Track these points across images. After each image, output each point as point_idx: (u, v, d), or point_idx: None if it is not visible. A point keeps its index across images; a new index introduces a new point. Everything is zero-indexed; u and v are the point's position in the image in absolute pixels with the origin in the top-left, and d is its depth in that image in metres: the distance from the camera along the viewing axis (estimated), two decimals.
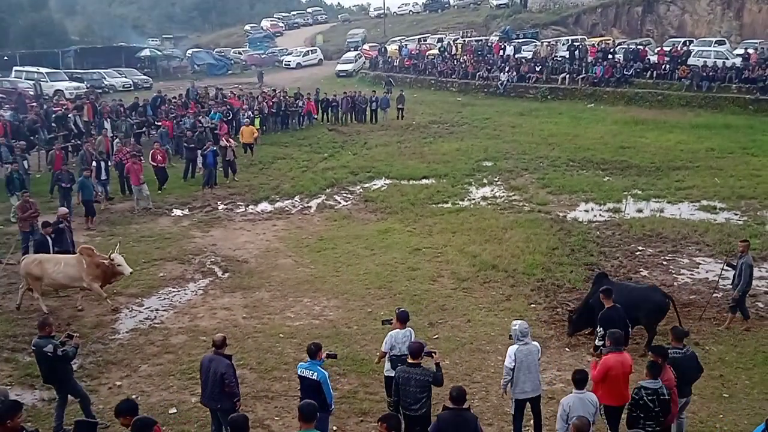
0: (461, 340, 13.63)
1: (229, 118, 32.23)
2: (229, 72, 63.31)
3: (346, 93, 39.75)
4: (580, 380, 9.05)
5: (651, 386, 9.06)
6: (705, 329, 14.06)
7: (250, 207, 23.66)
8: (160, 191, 24.41)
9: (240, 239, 20.08)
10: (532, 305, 15.41)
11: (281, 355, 13.18)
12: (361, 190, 25.74)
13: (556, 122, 37.51)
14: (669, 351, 9.57)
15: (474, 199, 24.00)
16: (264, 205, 23.90)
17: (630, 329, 11.52)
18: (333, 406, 9.88)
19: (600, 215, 21.93)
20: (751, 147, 29.73)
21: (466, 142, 33.08)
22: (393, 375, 10.22)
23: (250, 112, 32.83)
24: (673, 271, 17.27)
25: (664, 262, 17.84)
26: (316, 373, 9.45)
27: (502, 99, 45.34)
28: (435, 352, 9.67)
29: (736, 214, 21.50)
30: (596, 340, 11.35)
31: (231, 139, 27.21)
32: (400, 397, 9.39)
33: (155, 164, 24.57)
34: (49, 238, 16.18)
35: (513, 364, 9.49)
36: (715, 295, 15.67)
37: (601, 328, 11.08)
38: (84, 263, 14.98)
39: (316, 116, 38.09)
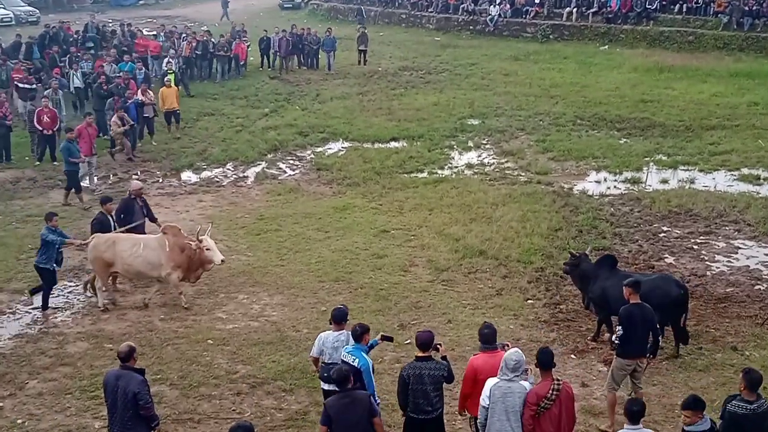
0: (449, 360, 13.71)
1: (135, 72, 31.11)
2: (141, 2, 62.40)
3: (282, 30, 39.09)
4: (635, 413, 8.81)
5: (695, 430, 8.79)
6: (745, 330, 14.32)
7: (168, 177, 23.48)
8: (39, 162, 24.05)
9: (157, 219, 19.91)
10: (530, 301, 15.55)
11: (210, 367, 13.15)
12: (312, 155, 25.65)
13: (561, 69, 37.65)
14: (733, 404, 9.01)
15: (456, 168, 24.09)
16: (187, 175, 23.75)
17: (659, 335, 11.64)
18: (379, 400, 10.22)
19: (615, 187, 22.18)
20: None
21: (446, 95, 33.09)
22: (326, 388, 10.51)
23: (169, 62, 31.93)
24: (706, 258, 17.54)
25: (695, 247, 18.11)
26: (357, 359, 9.91)
27: (491, 39, 45.34)
28: (441, 345, 10.10)
29: None
30: (613, 338, 11.46)
31: (149, 91, 26.77)
32: (409, 400, 9.77)
33: (41, 129, 23.71)
34: (110, 218, 16.11)
35: (487, 402, 9.26)
36: (757, 287, 15.98)
37: (620, 328, 11.24)
38: (167, 245, 15.06)
39: (243, 61, 37.60)
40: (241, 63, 37.39)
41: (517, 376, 9.21)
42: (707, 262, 17.31)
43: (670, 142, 26.05)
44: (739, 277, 16.59)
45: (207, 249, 15.10)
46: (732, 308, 15.15)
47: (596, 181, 22.70)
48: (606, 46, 42.00)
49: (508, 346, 9.95)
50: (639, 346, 11.31)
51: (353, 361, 9.90)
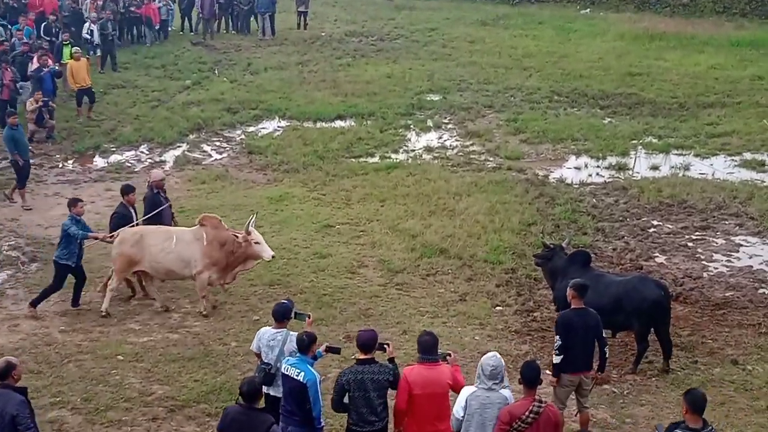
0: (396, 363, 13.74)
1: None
2: None
3: None
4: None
5: None
6: (747, 341, 14.51)
7: (70, 162, 23.23)
8: None
9: (55, 211, 19.65)
10: (498, 308, 15.62)
11: (120, 388, 13.01)
12: (242, 136, 25.57)
13: (535, 36, 37.86)
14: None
15: (413, 151, 24.15)
16: (93, 159, 23.54)
17: (605, 345, 11.70)
18: (323, 423, 10.24)
19: (598, 175, 22.40)
20: None
21: (401, 65, 33.13)
22: (270, 393, 10.67)
23: (90, 26, 31.34)
24: (703, 257, 17.76)
25: (690, 244, 18.33)
26: (303, 373, 9.87)
27: (455, 0, 45.41)
28: (388, 344, 10.25)
29: None
30: (554, 356, 11.55)
31: (50, 59, 26.38)
32: (351, 409, 9.85)
33: None
34: (132, 210, 16.03)
35: (462, 413, 9.40)
36: (761, 290, 16.23)
37: (558, 338, 11.37)
38: (205, 239, 15.03)
39: (158, 25, 37.06)
40: (156, 27, 36.93)
41: (497, 383, 9.30)
42: (704, 262, 17.52)
43: (661, 122, 26.34)
44: (740, 279, 16.80)
45: (256, 243, 15.12)
46: (732, 315, 15.33)
47: (576, 168, 22.92)
48: (587, 10, 42.37)
49: (450, 356, 10.03)
50: (581, 359, 11.42)
51: (297, 375, 9.89)
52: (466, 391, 9.40)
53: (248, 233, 15.04)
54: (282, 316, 10.89)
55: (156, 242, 15.11)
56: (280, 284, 16.32)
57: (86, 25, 31.62)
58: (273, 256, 15.40)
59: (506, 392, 9.38)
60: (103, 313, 15.16)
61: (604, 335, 11.60)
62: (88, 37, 30.96)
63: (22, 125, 21.09)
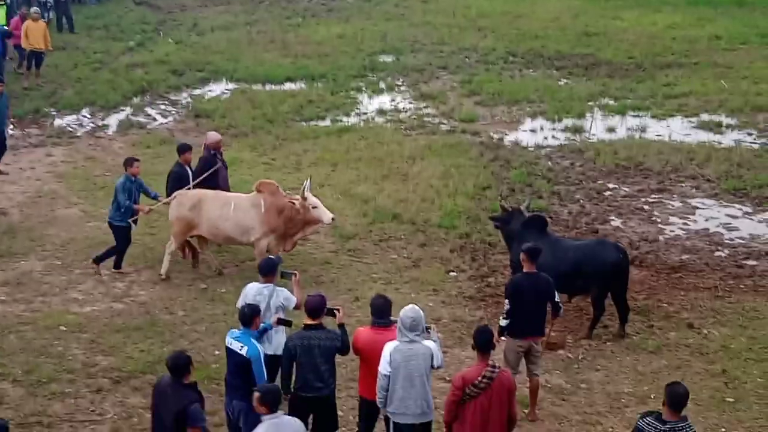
0: (345, 329, 13.76)
1: None
2: None
3: None
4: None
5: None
6: (703, 304, 14.68)
7: (8, 127, 22.88)
8: None
9: None
10: (452, 273, 15.70)
11: (63, 359, 12.91)
12: (189, 99, 25.45)
13: None
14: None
15: (366, 114, 24.15)
16: (33, 124, 23.27)
17: (559, 309, 11.74)
18: None
19: (553, 137, 22.55)
20: None
21: (352, 25, 33.01)
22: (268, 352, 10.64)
23: None
24: (659, 220, 17.94)
25: (646, 207, 18.50)
26: (246, 347, 9.87)
27: None
28: (338, 309, 10.37)
29: (750, 134, 22.68)
30: (500, 318, 11.64)
31: None
32: (297, 374, 9.97)
33: None
34: (189, 170, 15.89)
35: (388, 368, 9.56)
36: (717, 253, 16.42)
37: (507, 302, 11.51)
38: (263, 206, 14.97)
39: None
40: None
41: (418, 335, 9.52)
42: (660, 225, 17.69)
43: (617, 83, 26.53)
44: (696, 242, 16.99)
45: (313, 207, 15.02)
46: (688, 279, 15.51)
47: (531, 130, 23.05)
48: None
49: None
50: (531, 324, 11.48)
51: (241, 349, 9.90)
52: (389, 347, 9.55)
53: (304, 198, 14.98)
54: (268, 270, 11.00)
55: (214, 208, 15.12)
56: (228, 251, 16.29)
57: None
58: (333, 219, 15.30)
59: (429, 343, 9.60)
60: (163, 277, 15.25)
61: (557, 299, 11.68)
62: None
63: (7, 95, 20.68)
